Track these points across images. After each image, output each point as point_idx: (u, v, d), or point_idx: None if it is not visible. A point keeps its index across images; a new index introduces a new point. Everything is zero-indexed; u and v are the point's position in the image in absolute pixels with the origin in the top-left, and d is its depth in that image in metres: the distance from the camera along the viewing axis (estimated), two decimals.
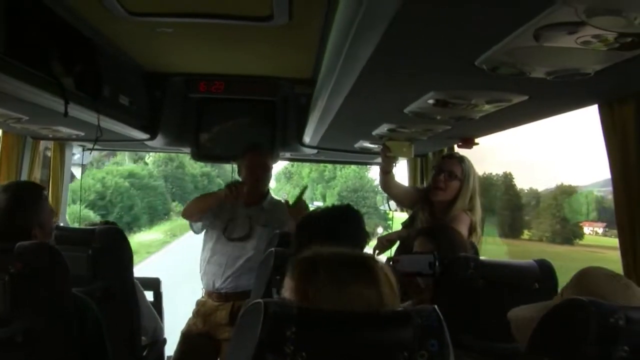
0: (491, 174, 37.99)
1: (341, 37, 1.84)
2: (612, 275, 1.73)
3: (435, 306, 1.34)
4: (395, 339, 1.28)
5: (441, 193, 3.52)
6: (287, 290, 1.44)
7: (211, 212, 4.21)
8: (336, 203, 8.95)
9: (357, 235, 2.41)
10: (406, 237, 3.47)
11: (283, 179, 60.00)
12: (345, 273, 1.40)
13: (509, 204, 37.31)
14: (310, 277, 1.40)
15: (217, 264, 4.11)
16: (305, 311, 1.29)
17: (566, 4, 1.26)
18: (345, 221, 2.42)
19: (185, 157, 38.33)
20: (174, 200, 43.92)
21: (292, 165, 55.36)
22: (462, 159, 3.52)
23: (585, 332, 1.45)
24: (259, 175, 4.17)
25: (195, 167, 47.06)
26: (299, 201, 4.04)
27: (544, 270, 2.49)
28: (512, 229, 36.12)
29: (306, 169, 55.01)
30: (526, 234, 36.85)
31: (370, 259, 1.50)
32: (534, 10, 1.31)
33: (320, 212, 2.59)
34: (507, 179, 38.72)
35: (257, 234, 4.11)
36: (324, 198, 52.17)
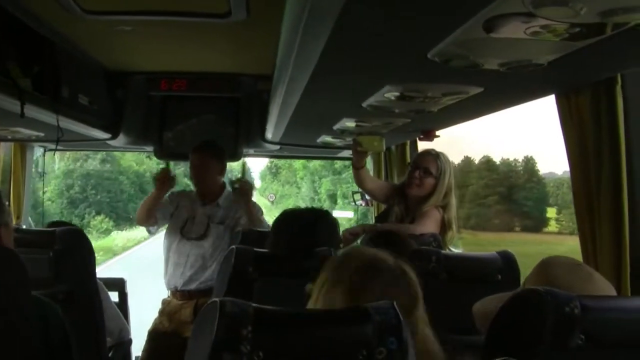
0: None
1: (292, 33, 1.84)
2: (573, 265, 1.75)
3: (394, 302, 1.35)
4: (354, 337, 1.28)
5: (416, 189, 3.55)
6: (331, 293, 1.46)
7: (164, 213, 4.26)
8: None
9: (332, 237, 2.44)
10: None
11: (269, 176, 50.70)
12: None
13: None
14: (370, 278, 1.43)
15: (178, 264, 4.12)
16: (262, 310, 1.28)
17: None
18: (324, 221, 2.44)
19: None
20: (98, 214, 34.57)
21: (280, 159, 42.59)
22: (437, 156, 3.55)
23: (542, 321, 1.47)
24: (200, 174, 4.19)
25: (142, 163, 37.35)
26: (241, 182, 4.07)
27: (506, 262, 2.52)
28: None
29: (300, 160, 37.57)
30: None
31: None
32: (482, 2, 1.32)
33: (300, 210, 2.61)
34: None
35: (213, 232, 4.13)
36: (333, 199, 35.48)
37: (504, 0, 1.29)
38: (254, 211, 4.08)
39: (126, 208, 35.65)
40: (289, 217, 2.53)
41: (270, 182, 49.80)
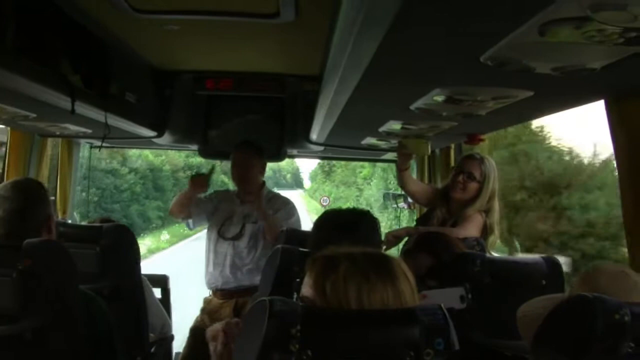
0: None
1: (345, 34, 1.84)
2: (619, 273, 1.72)
3: (442, 304, 1.34)
4: (402, 338, 1.28)
5: (459, 193, 3.54)
6: (306, 287, 1.44)
7: (200, 208, 4.31)
8: None
9: (373, 237, 2.42)
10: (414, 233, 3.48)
11: (320, 175, 47.35)
12: (363, 270, 1.40)
13: None
14: (329, 273, 1.40)
15: (217, 264, 4.16)
16: (310, 309, 1.29)
17: None
18: (365, 221, 2.43)
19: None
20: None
21: None
22: (482, 161, 3.52)
23: (591, 328, 1.45)
24: (241, 174, 4.20)
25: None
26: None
27: (551, 267, 2.49)
28: None
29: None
30: None
31: (389, 256, 1.50)
32: (538, 5, 1.30)
33: (341, 209, 2.61)
34: None
35: (248, 231, 4.15)
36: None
37: (562, 4, 1.27)
38: (271, 223, 4.07)
39: (127, 212, 26.26)
40: (330, 217, 2.53)
41: (322, 183, 46.86)
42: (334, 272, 1.39)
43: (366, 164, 32.00)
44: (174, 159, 31.50)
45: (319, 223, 2.48)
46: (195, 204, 4.29)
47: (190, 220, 4.39)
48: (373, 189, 29.57)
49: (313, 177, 48.47)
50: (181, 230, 25.41)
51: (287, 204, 4.29)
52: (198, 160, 30.23)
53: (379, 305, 1.35)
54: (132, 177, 27.40)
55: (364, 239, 2.36)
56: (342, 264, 1.40)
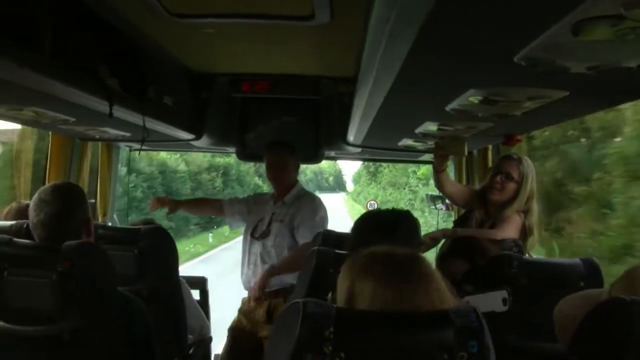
0: None
1: (378, 36, 1.83)
2: None
3: (482, 308, 1.33)
4: (435, 340, 1.28)
5: (497, 194, 3.50)
6: (341, 288, 1.44)
7: (237, 212, 4.46)
8: None
9: (413, 238, 2.41)
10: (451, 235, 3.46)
11: (365, 176, 44.02)
12: (396, 272, 1.40)
13: None
14: (364, 275, 1.40)
15: (250, 264, 4.19)
16: (343, 311, 1.29)
17: None
18: (405, 221, 2.42)
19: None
20: None
21: None
22: (520, 161, 3.49)
23: (628, 332, 1.43)
24: (279, 172, 4.24)
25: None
26: None
27: (589, 269, 2.46)
28: None
29: None
30: None
31: (423, 259, 1.50)
32: (571, 4, 1.29)
33: (381, 210, 2.60)
34: None
35: (275, 230, 4.16)
36: None
37: (594, 3, 1.25)
38: (288, 267, 4.01)
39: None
40: (369, 218, 2.52)
41: (367, 185, 43.73)
42: (369, 274, 1.39)
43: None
44: (196, 158, 27.99)
45: (358, 224, 2.47)
46: (229, 205, 4.41)
47: (229, 220, 4.48)
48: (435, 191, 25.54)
49: (356, 179, 46.17)
50: (226, 234, 25.19)
51: (313, 201, 4.31)
52: (225, 160, 29.28)
53: (414, 308, 1.34)
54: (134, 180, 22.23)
55: (403, 240, 2.35)
56: (376, 267, 1.40)
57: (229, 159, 28.47)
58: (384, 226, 2.37)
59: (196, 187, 27.50)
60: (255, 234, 4.21)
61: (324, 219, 4.23)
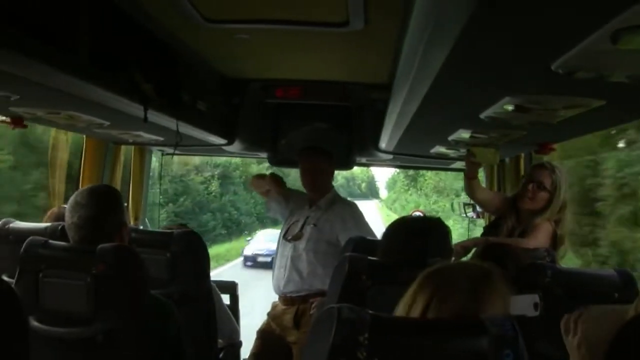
0: None
1: (415, 43, 1.83)
2: None
3: (514, 312, 1.33)
4: (470, 348, 1.27)
5: (529, 202, 3.48)
6: (417, 302, 1.44)
7: (278, 211, 4.51)
8: None
9: (444, 246, 2.40)
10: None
11: (401, 182, 41.19)
12: (480, 286, 1.41)
13: None
14: (445, 290, 1.41)
15: (280, 266, 4.19)
16: (377, 317, 1.29)
17: None
18: (436, 229, 2.41)
19: None
20: None
21: None
22: (553, 170, 3.46)
23: None
24: (314, 178, 4.25)
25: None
26: None
27: (624, 280, 2.43)
28: None
29: None
30: None
31: (496, 272, 1.51)
32: (611, 13, 1.27)
33: (412, 217, 2.59)
34: None
35: (307, 233, 4.15)
36: None
37: (634, 12, 1.24)
38: None
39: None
40: (401, 225, 2.51)
41: (404, 192, 41.01)
42: (450, 288, 1.40)
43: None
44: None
45: (390, 231, 2.46)
46: (276, 201, 4.51)
47: (271, 205, 4.61)
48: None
49: (391, 186, 44.31)
50: None
51: (350, 205, 4.32)
52: (225, 158, 24.42)
53: None
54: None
55: (434, 248, 2.34)
56: (459, 281, 1.41)
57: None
58: (415, 233, 2.36)
59: (182, 192, 24.18)
60: (287, 236, 4.22)
61: (366, 224, 4.25)
